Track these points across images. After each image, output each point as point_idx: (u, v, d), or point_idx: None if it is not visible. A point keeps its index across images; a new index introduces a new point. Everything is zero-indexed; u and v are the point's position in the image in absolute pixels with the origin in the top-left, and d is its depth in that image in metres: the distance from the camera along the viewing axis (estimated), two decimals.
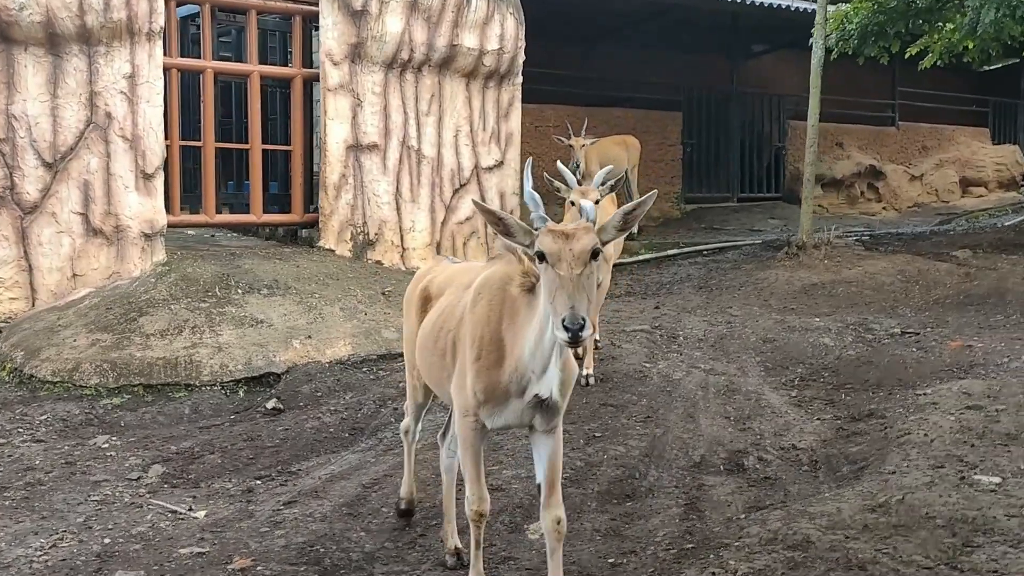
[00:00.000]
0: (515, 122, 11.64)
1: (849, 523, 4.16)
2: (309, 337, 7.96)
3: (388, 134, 10.56)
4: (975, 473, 4.76)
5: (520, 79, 11.59)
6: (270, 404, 6.94)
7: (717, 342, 8.47)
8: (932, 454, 5.10)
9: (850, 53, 12.95)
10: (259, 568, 4.13)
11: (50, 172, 8.58)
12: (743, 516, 4.63)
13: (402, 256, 10.73)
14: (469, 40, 10.85)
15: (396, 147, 10.63)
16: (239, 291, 8.48)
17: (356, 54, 10.24)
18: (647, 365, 7.42)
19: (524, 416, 3.53)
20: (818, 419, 6.33)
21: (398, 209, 10.69)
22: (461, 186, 11.22)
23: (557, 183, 7.22)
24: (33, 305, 8.52)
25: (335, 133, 10.21)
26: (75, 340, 7.58)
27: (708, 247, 12.94)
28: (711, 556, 4.03)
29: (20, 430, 6.22)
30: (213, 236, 11.18)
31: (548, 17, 13.57)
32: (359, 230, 10.43)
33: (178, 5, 9.84)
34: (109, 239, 8.80)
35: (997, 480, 4.68)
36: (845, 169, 17.43)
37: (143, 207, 8.91)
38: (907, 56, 13.60)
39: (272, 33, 11.07)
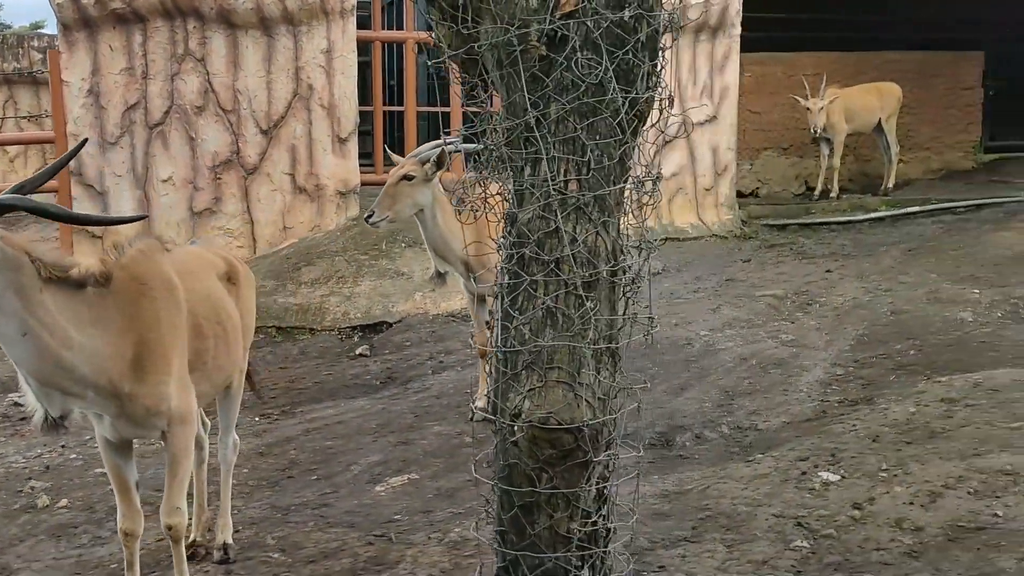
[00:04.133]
0: (731, 75, 11.33)
1: None
2: (433, 290, 8.67)
3: None
4: (819, 471, 4.40)
5: (737, 31, 11.24)
6: (359, 350, 7.78)
7: (845, 312, 7.93)
8: (839, 452, 4.74)
9: None
10: None
11: (265, 138, 10.03)
12: None
13: None
14: None
15: None
16: (401, 245, 9.38)
17: None
18: (704, 334, 7.24)
19: None
20: (821, 401, 5.92)
21: None
22: (666, 142, 11.16)
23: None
24: (255, 253, 10.09)
25: None
26: None
27: (962, 203, 11.65)
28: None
29: None
30: None
31: None
32: None
33: None
34: (311, 196, 10.11)
35: (836, 478, 4.32)
36: None
37: (338, 168, 10.11)
38: None
39: None
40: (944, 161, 13.79)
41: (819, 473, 4.42)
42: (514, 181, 2.19)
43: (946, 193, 12.56)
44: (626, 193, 2.28)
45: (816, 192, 12.52)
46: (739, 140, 12.72)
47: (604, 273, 2.14)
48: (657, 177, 2.40)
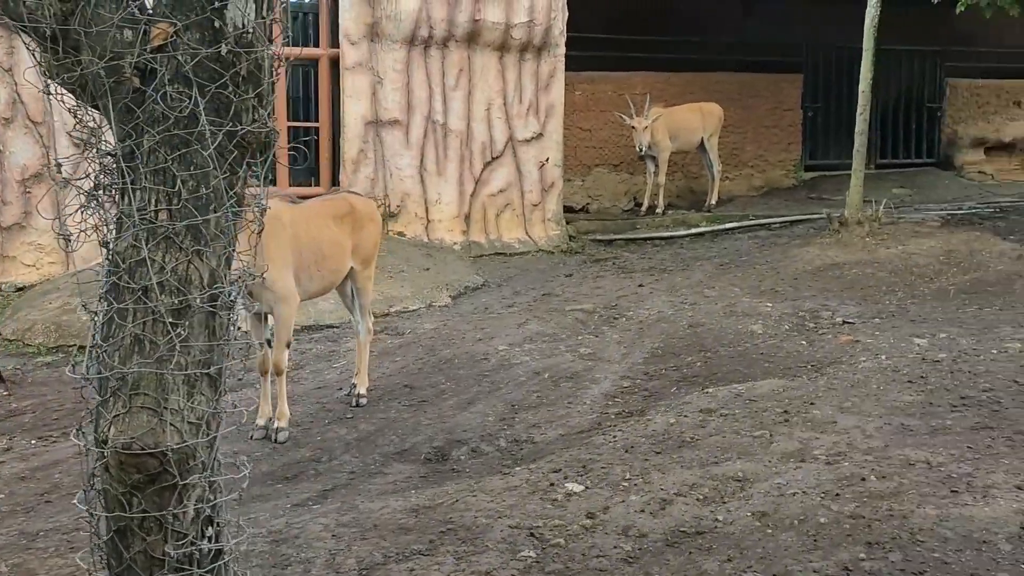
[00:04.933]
0: (557, 94, 11.60)
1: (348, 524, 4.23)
2: None
3: (411, 109, 10.95)
4: (566, 482, 4.57)
5: (562, 50, 11.52)
6: None
7: (648, 326, 8.20)
8: (592, 463, 4.91)
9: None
10: None
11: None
12: (315, 504, 4.76)
13: (427, 228, 11.13)
14: (493, 14, 10.96)
15: (420, 122, 11.00)
16: None
17: (374, 33, 10.70)
18: (502, 349, 7.40)
19: None
20: (601, 413, 6.13)
21: (422, 182, 11.08)
22: (494, 159, 11.41)
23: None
24: (67, 268, 9.80)
25: (353, 110, 10.76)
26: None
27: (777, 220, 12.21)
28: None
29: None
30: None
31: None
32: (379, 203, 10.91)
33: None
34: None
35: (581, 488, 4.49)
36: (1018, 131, 15.50)
37: None
38: None
39: (306, 16, 11.77)
40: (767, 179, 14.39)
41: (566, 484, 4.58)
42: (115, 210, 2.24)
43: (765, 209, 13.12)
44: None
45: (643, 208, 12.90)
46: (571, 157, 13.05)
47: (197, 300, 2.21)
48: (263, 209, 2.47)
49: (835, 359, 6.66)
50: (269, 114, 2.31)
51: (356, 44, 10.69)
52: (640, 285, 9.67)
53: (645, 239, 12.03)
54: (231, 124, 2.17)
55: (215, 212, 2.18)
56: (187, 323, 2.18)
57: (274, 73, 2.28)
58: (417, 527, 4.22)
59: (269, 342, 5.79)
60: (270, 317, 5.77)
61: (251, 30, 2.18)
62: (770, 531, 3.99)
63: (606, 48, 13.63)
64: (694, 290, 9.36)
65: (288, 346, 5.85)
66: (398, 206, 10.99)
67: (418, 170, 11.04)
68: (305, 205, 6.03)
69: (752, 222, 12.12)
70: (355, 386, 6.36)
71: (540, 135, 11.56)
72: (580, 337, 7.94)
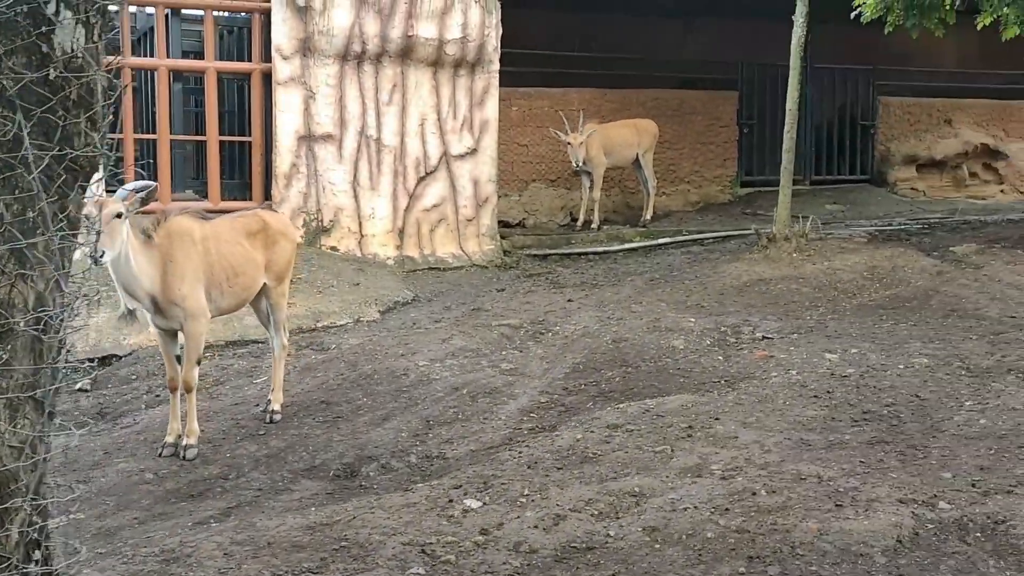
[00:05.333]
0: (491, 110, 11.67)
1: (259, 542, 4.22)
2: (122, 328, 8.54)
3: (344, 124, 10.95)
4: (465, 499, 4.60)
5: (496, 66, 11.59)
6: (79, 384, 7.54)
7: (573, 341, 8.25)
8: (494, 479, 4.95)
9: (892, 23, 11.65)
10: None
11: None
12: (215, 522, 4.75)
13: (360, 243, 11.12)
14: (426, 31, 11.01)
15: (354, 137, 11.00)
16: None
17: (306, 48, 10.70)
18: (423, 364, 7.42)
19: None
20: (514, 429, 6.16)
21: (356, 197, 11.07)
22: (428, 174, 11.44)
23: None
24: None
25: (285, 125, 10.74)
26: None
27: (711, 235, 12.36)
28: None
29: None
30: None
31: None
32: (312, 217, 10.92)
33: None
34: None
35: (479, 504, 4.53)
36: (949, 149, 15.81)
37: None
38: (980, 28, 12.17)
39: (241, 30, 11.76)
40: (703, 194, 14.56)
41: (465, 500, 4.61)
42: None
43: (700, 225, 13.27)
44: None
45: (579, 223, 13.00)
46: (507, 172, 13.13)
47: (21, 324, 2.21)
48: (98, 233, 2.48)
49: (748, 374, 6.77)
50: (102, 137, 2.32)
51: (289, 59, 10.68)
52: (569, 300, 9.73)
53: (580, 254, 12.12)
54: (60, 148, 2.18)
55: (42, 235, 2.19)
56: (9, 346, 2.18)
57: (115, 94, 2.30)
58: (311, 544, 4.23)
59: (179, 358, 5.77)
60: (179, 333, 5.75)
61: (80, 55, 2.19)
62: (658, 546, 4.05)
63: (544, 64, 13.76)
64: (622, 305, 9.43)
65: (199, 363, 5.83)
66: (331, 221, 10.97)
67: (351, 185, 11.04)
68: (216, 221, 6.02)
69: (685, 237, 12.26)
70: (270, 402, 6.35)
71: (475, 150, 11.61)
72: (504, 352, 7.98)
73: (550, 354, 7.91)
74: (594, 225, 12.88)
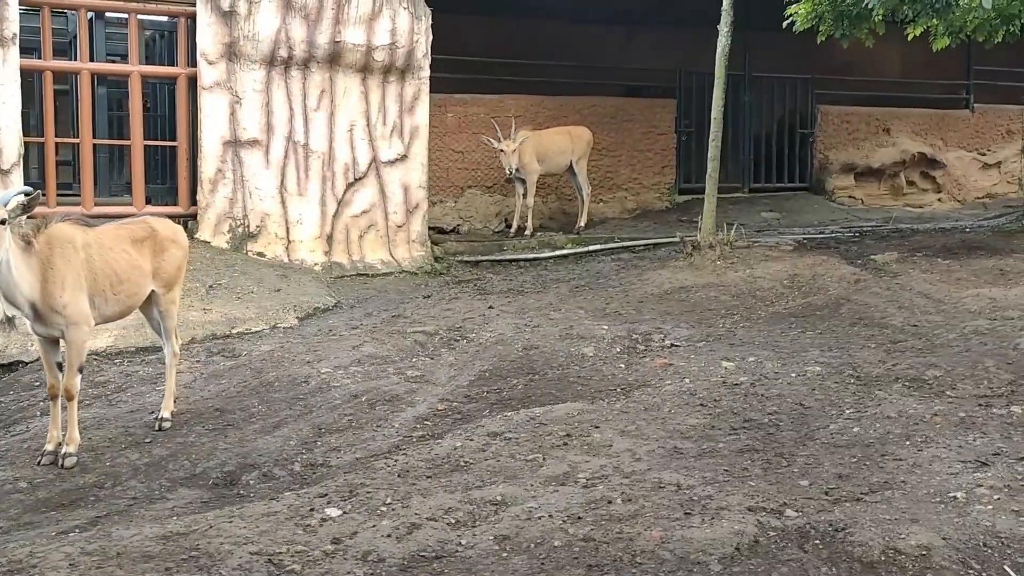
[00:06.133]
0: (421, 116, 11.67)
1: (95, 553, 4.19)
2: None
3: (271, 130, 10.92)
4: (327, 507, 4.60)
5: (426, 73, 11.60)
6: None
7: (485, 348, 8.25)
8: (362, 487, 4.94)
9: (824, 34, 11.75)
10: None
11: None
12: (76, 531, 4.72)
13: (287, 248, 11.08)
14: (354, 36, 11.00)
15: (281, 142, 10.97)
16: None
17: (232, 53, 10.65)
18: (325, 371, 7.40)
19: None
20: (405, 437, 6.15)
21: (283, 202, 11.04)
22: (357, 180, 11.42)
23: None
24: None
25: (211, 130, 10.69)
26: None
27: (642, 242, 12.41)
28: None
29: None
30: None
31: None
32: (238, 223, 10.87)
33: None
34: None
35: (339, 513, 4.52)
36: (887, 157, 15.99)
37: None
38: (910, 38, 12.30)
39: (172, 34, 11.69)
40: (640, 201, 14.62)
41: (326, 509, 4.59)
42: None
43: (634, 232, 13.34)
44: None
45: (512, 230, 13.02)
46: (443, 178, 13.14)
47: None
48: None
49: (645, 382, 6.79)
50: None
51: (214, 64, 10.63)
52: (490, 307, 9.73)
53: (511, 261, 12.14)
54: None
55: None
56: None
57: None
58: (161, 555, 4.20)
59: (60, 366, 5.72)
60: (60, 341, 5.70)
61: None
62: (505, 555, 4.05)
63: (481, 71, 13.77)
64: (541, 312, 9.45)
65: (81, 371, 5.78)
66: (258, 226, 10.93)
67: (279, 190, 11.00)
68: (100, 228, 5.98)
69: (616, 244, 12.31)
70: (160, 410, 6.31)
71: (405, 157, 11.61)
72: (414, 359, 7.98)
73: (460, 361, 7.91)
74: (528, 232, 12.91)
